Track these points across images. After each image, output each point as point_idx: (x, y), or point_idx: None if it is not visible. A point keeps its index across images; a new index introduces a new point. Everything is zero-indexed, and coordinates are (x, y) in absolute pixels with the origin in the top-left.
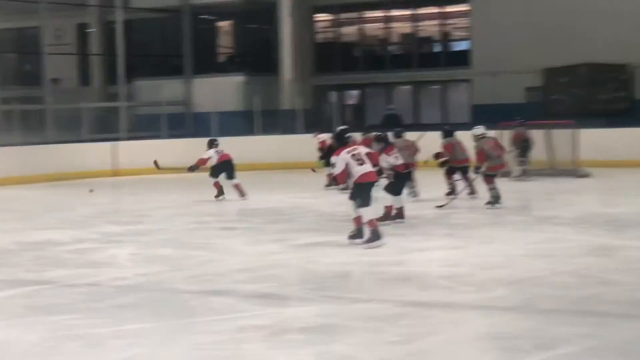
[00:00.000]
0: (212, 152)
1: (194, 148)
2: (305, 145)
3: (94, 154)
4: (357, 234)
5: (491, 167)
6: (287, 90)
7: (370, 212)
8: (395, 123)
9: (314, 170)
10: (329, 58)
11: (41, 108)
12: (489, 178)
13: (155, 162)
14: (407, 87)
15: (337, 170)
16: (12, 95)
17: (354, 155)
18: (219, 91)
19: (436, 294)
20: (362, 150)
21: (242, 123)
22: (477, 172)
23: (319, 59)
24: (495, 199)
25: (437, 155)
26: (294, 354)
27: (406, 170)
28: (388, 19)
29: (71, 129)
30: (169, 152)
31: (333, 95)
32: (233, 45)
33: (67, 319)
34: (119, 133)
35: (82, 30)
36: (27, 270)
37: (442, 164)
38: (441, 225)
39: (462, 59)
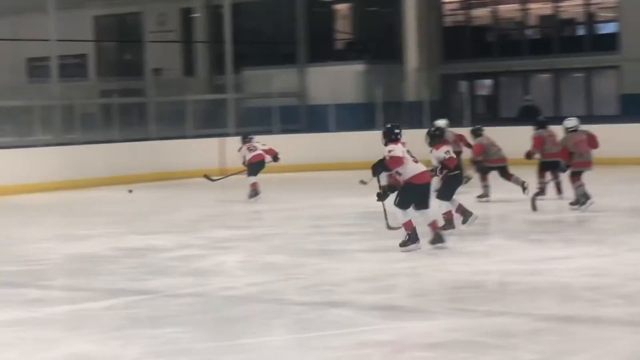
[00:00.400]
0: (244, 149)
1: (309, 143)
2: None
3: (199, 150)
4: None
5: (575, 164)
6: (411, 79)
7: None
8: (533, 115)
9: (363, 183)
10: (459, 44)
11: (142, 101)
12: (574, 176)
13: (206, 176)
14: (547, 75)
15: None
16: (112, 87)
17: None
18: (336, 81)
19: (579, 308)
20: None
21: (362, 116)
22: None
23: (447, 45)
24: (579, 199)
25: (528, 155)
26: None
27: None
28: (525, 0)
29: (175, 124)
30: (281, 148)
31: (463, 85)
32: (352, 31)
33: (170, 332)
34: (227, 128)
35: (186, 16)
36: (128, 278)
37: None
38: (585, 230)
39: (609, 43)
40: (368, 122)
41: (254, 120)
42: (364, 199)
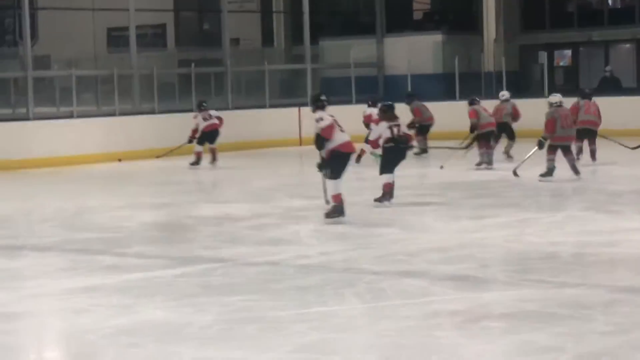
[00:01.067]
0: (199, 117)
1: None
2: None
3: (277, 120)
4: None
5: (556, 138)
6: (490, 50)
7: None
8: (614, 87)
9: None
10: (538, 14)
11: (220, 71)
12: (551, 149)
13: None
14: (628, 45)
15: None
16: (190, 57)
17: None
18: (414, 52)
19: None
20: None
21: (439, 87)
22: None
23: (526, 15)
24: (549, 172)
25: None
26: (491, 344)
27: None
28: None
29: (253, 94)
30: (359, 118)
31: (542, 56)
32: (430, 1)
33: (244, 300)
34: (305, 98)
35: None
36: (203, 247)
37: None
38: None
39: None
40: (445, 92)
41: (332, 90)
42: (439, 170)
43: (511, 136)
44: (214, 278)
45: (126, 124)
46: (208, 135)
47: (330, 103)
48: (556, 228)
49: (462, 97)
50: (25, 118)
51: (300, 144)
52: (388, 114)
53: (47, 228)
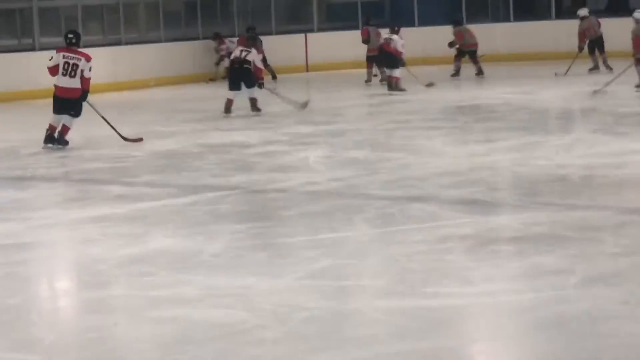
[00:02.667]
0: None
1: None
2: (518, 34)
3: (283, 47)
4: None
5: None
6: None
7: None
8: (623, 6)
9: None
10: None
11: None
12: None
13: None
14: None
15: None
16: None
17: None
18: None
19: None
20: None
21: (446, 10)
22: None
23: None
24: None
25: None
26: (501, 267)
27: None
28: None
29: (259, 20)
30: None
31: None
32: None
33: (254, 227)
34: (311, 24)
35: None
36: (212, 174)
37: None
38: None
39: None
40: (453, 15)
41: (339, 16)
42: (448, 93)
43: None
44: (223, 206)
45: (132, 52)
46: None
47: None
48: (564, 151)
49: (468, 21)
50: (31, 49)
51: (307, 70)
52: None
53: (55, 158)
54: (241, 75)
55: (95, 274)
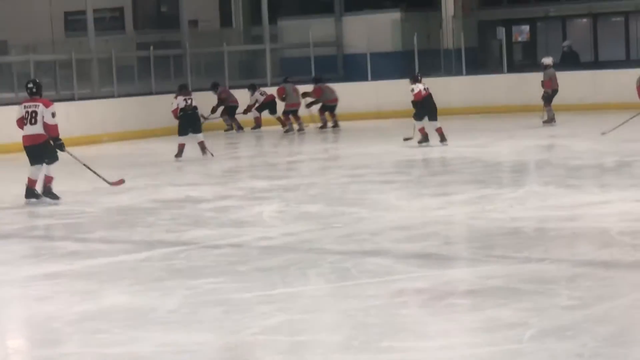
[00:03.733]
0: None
1: (346, 92)
2: (469, 88)
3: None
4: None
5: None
6: (449, 27)
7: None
8: (574, 60)
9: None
10: None
11: (179, 53)
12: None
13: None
14: (585, 20)
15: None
16: (149, 39)
17: None
18: (372, 30)
19: (617, 253)
20: None
21: (398, 65)
22: None
23: None
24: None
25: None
26: (457, 321)
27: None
28: None
29: (212, 75)
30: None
31: (500, 32)
32: None
33: (209, 282)
34: (265, 78)
35: None
36: (166, 230)
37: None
38: (622, 175)
39: None
40: (405, 70)
41: (291, 71)
42: (401, 147)
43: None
44: (178, 261)
45: (85, 108)
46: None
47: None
48: (518, 203)
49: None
50: None
51: (261, 124)
52: (182, 91)
53: (8, 215)
54: (190, 121)
55: (48, 331)
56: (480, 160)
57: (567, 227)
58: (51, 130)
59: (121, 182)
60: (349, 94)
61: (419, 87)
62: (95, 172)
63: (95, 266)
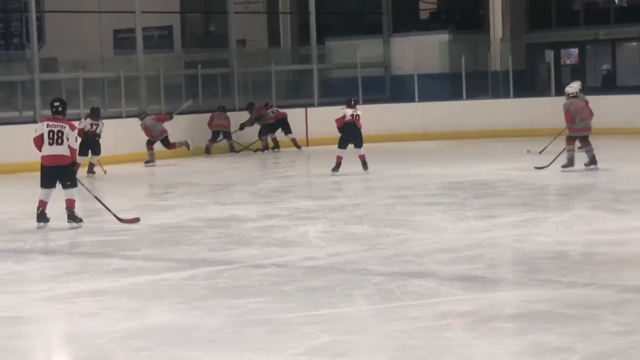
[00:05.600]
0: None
1: (393, 114)
2: (516, 110)
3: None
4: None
5: (574, 129)
6: (497, 49)
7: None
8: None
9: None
10: (544, 12)
11: (227, 72)
12: (569, 139)
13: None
14: (635, 43)
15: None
16: (197, 58)
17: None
18: (420, 51)
19: None
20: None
21: (446, 86)
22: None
23: (532, 14)
24: (569, 162)
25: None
26: (501, 344)
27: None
28: None
29: (259, 94)
30: (366, 118)
31: (549, 55)
32: (436, 0)
33: (252, 302)
34: (312, 98)
35: None
36: (211, 249)
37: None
38: None
39: None
40: (453, 92)
41: (338, 91)
42: (447, 169)
43: None
44: (222, 280)
45: (133, 126)
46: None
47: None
48: (564, 227)
49: (468, 97)
50: (32, 121)
51: (307, 145)
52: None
53: (55, 231)
54: (89, 144)
55: (93, 348)
56: (526, 183)
57: (614, 251)
58: (73, 154)
59: (136, 220)
60: (396, 115)
61: (346, 112)
62: (106, 207)
63: (139, 284)
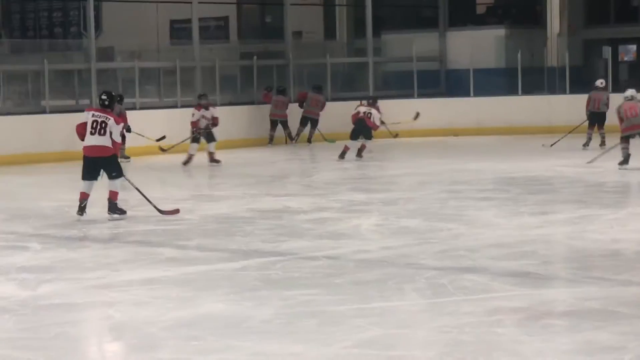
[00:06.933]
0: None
1: (448, 108)
2: (572, 106)
3: (339, 113)
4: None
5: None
6: (553, 45)
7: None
8: None
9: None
10: (603, 8)
11: (283, 63)
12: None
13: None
14: None
15: None
16: (252, 49)
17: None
18: (476, 46)
19: None
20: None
21: (502, 82)
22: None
23: (590, 9)
24: (624, 160)
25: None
26: (552, 342)
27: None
28: None
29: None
30: (421, 111)
31: (606, 51)
32: None
33: (304, 294)
34: (367, 91)
35: None
36: (263, 240)
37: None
38: None
39: None
40: (508, 87)
41: (394, 84)
42: (501, 164)
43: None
44: (274, 272)
45: (188, 115)
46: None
47: (393, 97)
48: (619, 225)
49: (524, 92)
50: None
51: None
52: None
53: (107, 220)
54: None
55: (144, 336)
56: (581, 180)
57: None
58: (116, 147)
59: (176, 211)
60: (451, 109)
61: (359, 109)
62: (148, 200)
63: (191, 273)
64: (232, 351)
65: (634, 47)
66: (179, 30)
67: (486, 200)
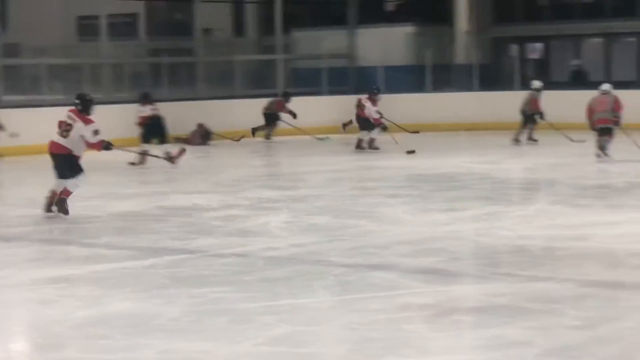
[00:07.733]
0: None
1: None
2: (480, 103)
3: (247, 111)
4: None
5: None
6: (461, 42)
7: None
8: (583, 79)
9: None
10: (510, 7)
11: (192, 61)
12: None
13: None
14: (598, 39)
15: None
16: (161, 46)
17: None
18: (385, 43)
19: (624, 274)
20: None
21: (411, 79)
22: None
23: (498, 8)
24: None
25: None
26: (461, 337)
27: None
28: None
29: (223, 84)
30: (329, 109)
31: (513, 49)
32: None
33: (213, 291)
34: (276, 89)
35: None
36: (172, 237)
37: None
38: (632, 196)
39: None
40: (417, 84)
41: (303, 82)
42: (411, 161)
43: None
44: (183, 270)
45: (96, 113)
46: None
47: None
48: (526, 222)
49: (434, 89)
50: None
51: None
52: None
53: (15, 217)
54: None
55: (50, 336)
56: (489, 176)
57: (574, 246)
58: (94, 147)
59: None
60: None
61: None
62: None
63: (99, 272)
64: (140, 349)
65: (540, 46)
66: (86, 27)
67: (396, 197)
